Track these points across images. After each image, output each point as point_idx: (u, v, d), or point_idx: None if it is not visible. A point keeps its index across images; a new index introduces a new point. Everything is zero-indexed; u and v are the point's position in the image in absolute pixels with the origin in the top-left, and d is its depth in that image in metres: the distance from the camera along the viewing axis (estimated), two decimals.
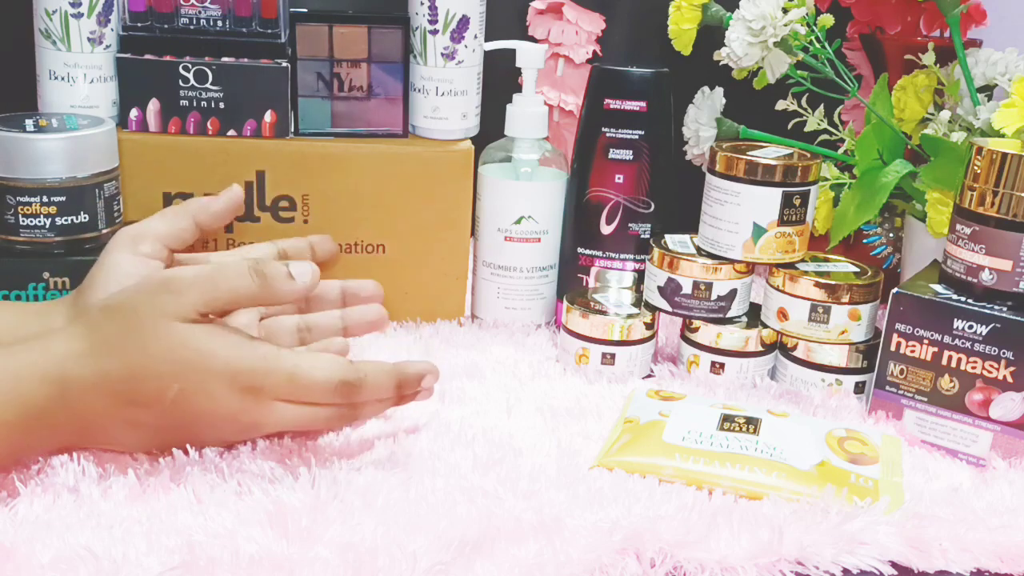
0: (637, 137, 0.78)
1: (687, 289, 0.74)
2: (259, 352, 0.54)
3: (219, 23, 0.75)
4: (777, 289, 0.73)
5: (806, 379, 0.72)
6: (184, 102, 0.74)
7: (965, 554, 0.53)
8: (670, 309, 0.75)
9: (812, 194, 0.73)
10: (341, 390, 0.55)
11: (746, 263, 0.73)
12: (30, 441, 0.53)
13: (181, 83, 0.74)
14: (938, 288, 0.66)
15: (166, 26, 0.74)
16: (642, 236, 0.80)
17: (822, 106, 0.88)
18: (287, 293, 0.56)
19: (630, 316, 0.74)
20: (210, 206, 0.67)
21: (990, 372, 0.63)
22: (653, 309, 0.75)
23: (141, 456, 0.57)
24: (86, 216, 0.67)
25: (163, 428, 0.55)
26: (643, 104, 0.78)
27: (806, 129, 0.88)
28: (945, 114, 0.80)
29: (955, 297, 0.64)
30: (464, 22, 0.78)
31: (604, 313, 0.74)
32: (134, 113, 0.74)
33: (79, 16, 0.72)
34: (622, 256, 0.81)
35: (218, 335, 0.53)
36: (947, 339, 0.64)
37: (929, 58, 0.85)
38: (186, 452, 0.56)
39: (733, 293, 0.74)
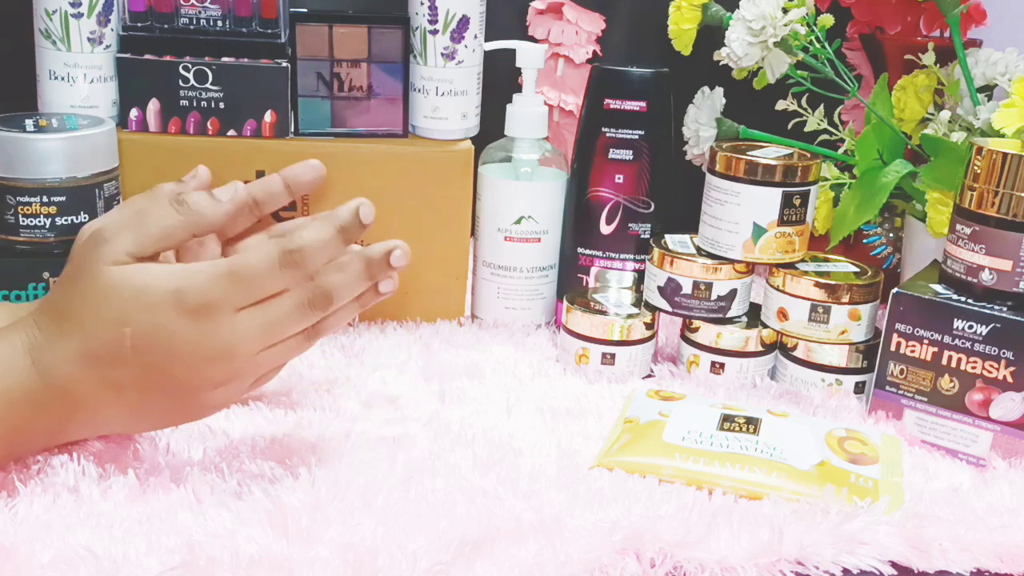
0: (637, 137, 0.78)
1: (687, 289, 0.74)
2: (193, 269, 0.52)
3: (219, 23, 0.75)
4: (777, 289, 0.73)
5: (806, 379, 0.72)
6: (184, 102, 0.74)
7: (965, 554, 0.53)
8: (670, 309, 0.75)
9: (812, 194, 0.73)
10: (284, 261, 0.52)
11: (746, 263, 0.74)
12: (18, 424, 0.52)
13: (181, 83, 0.74)
14: (938, 288, 0.66)
15: (166, 26, 0.74)
16: (642, 236, 0.80)
17: (822, 106, 0.88)
18: (213, 214, 0.54)
19: (630, 316, 0.74)
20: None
21: (990, 372, 0.63)
22: (653, 309, 0.75)
23: (141, 456, 0.57)
24: (86, 216, 0.67)
25: (143, 385, 0.53)
26: (643, 104, 0.78)
27: (806, 129, 0.88)
28: (945, 114, 0.80)
29: (955, 297, 0.64)
30: (464, 22, 0.78)
31: (604, 313, 0.74)
32: (134, 113, 0.74)
33: (79, 16, 0.72)
34: (622, 256, 0.81)
35: (150, 268, 0.52)
36: (947, 339, 0.64)
37: (929, 58, 0.85)
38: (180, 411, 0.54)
39: (733, 293, 0.74)
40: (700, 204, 0.75)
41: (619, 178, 0.79)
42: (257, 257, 0.52)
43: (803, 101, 0.88)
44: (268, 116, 0.75)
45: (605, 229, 0.80)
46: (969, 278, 0.65)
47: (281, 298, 0.53)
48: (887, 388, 0.67)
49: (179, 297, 0.51)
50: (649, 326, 0.74)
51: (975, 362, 0.63)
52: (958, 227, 0.66)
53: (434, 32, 0.77)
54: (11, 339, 0.52)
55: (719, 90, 0.90)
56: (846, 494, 0.56)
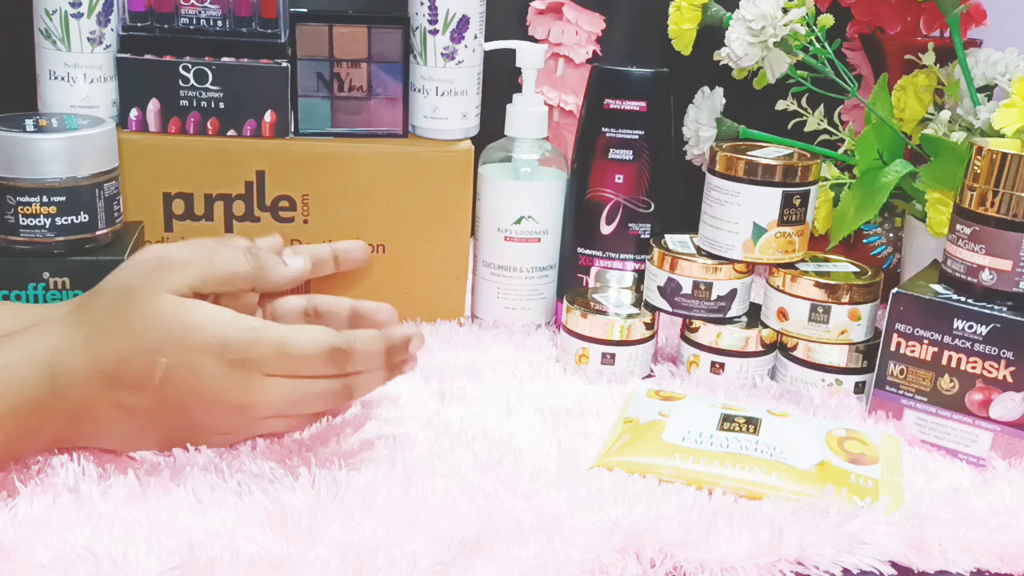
0: (637, 137, 0.78)
1: (687, 289, 0.74)
2: (247, 324, 0.53)
3: (219, 23, 0.75)
4: (777, 289, 0.73)
5: (806, 379, 0.72)
6: (184, 102, 0.74)
7: (965, 554, 0.53)
8: (670, 309, 0.75)
9: (812, 194, 0.73)
10: (332, 357, 0.54)
11: (746, 263, 0.74)
12: (23, 433, 0.52)
13: (181, 83, 0.74)
14: (938, 288, 0.66)
15: (166, 26, 0.74)
16: (642, 236, 0.80)
17: (822, 106, 0.88)
18: (278, 275, 0.56)
19: (630, 316, 0.74)
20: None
21: (990, 372, 0.63)
22: (653, 309, 0.75)
23: (141, 456, 0.57)
24: (86, 216, 0.67)
25: (155, 415, 0.53)
26: (643, 104, 0.78)
27: (806, 129, 0.88)
28: (945, 114, 0.80)
29: (955, 297, 0.64)
30: (464, 22, 0.78)
31: (604, 313, 0.74)
32: (134, 113, 0.74)
33: (79, 16, 0.72)
34: (622, 256, 0.81)
35: (206, 308, 0.53)
36: (947, 339, 0.64)
37: (929, 58, 0.85)
38: (185, 448, 0.56)
39: (733, 293, 0.74)
40: (700, 204, 0.75)
41: (619, 178, 0.79)
42: (311, 341, 0.53)
43: (803, 101, 0.88)
44: (268, 116, 0.75)
45: (605, 229, 0.80)
46: (969, 278, 0.65)
47: (313, 380, 0.55)
48: (887, 388, 0.67)
49: (224, 346, 0.52)
50: (649, 326, 0.74)
51: (975, 362, 0.63)
52: (958, 227, 0.66)
53: (434, 32, 0.77)
54: (31, 348, 0.52)
55: (719, 90, 0.90)
56: (846, 494, 0.56)
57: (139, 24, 0.74)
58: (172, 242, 0.63)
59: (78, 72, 0.73)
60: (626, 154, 0.79)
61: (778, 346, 0.74)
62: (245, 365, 0.52)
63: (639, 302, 0.77)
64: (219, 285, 0.54)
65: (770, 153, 0.73)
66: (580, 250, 0.81)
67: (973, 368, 0.63)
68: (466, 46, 0.78)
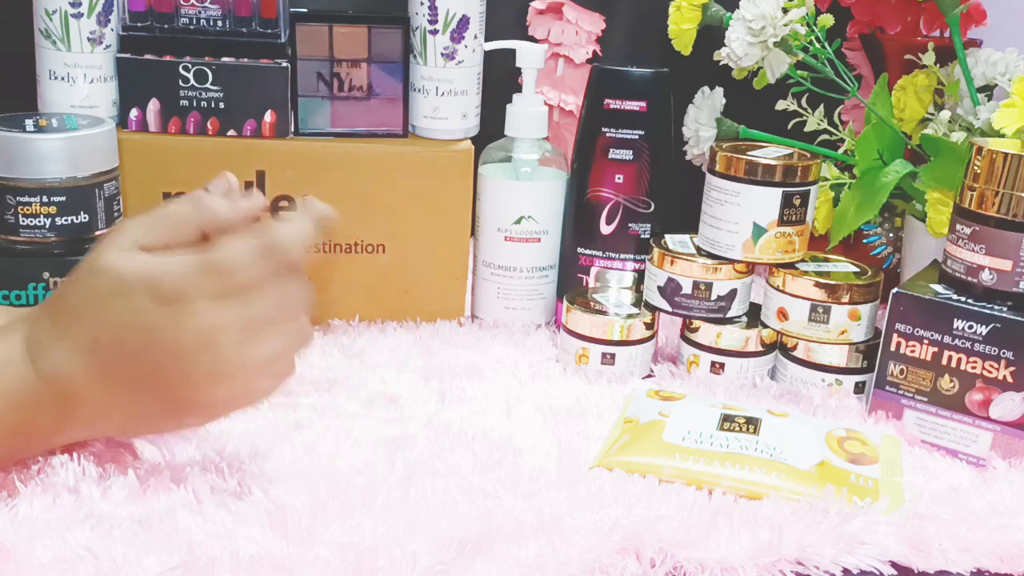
0: (637, 137, 0.78)
1: (687, 289, 0.74)
2: (169, 259, 0.51)
3: (219, 23, 0.75)
4: (777, 289, 0.73)
5: (806, 379, 0.72)
6: (184, 102, 0.74)
7: (965, 554, 0.53)
8: (670, 309, 0.75)
9: (812, 194, 0.73)
10: (265, 255, 0.51)
11: (746, 263, 0.74)
12: (19, 424, 0.51)
13: (181, 83, 0.74)
14: (938, 288, 0.66)
15: (166, 26, 0.74)
16: (642, 236, 0.80)
17: (822, 106, 0.88)
18: (223, 211, 0.54)
19: (630, 316, 0.74)
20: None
21: (990, 372, 0.63)
22: (653, 309, 0.75)
23: (141, 456, 0.57)
24: (86, 216, 0.67)
25: (129, 379, 0.51)
26: (643, 104, 0.78)
27: (806, 129, 0.88)
28: (945, 114, 0.80)
29: (955, 297, 0.64)
30: (464, 22, 0.78)
31: (604, 313, 0.74)
32: (134, 113, 0.74)
33: (79, 16, 0.72)
34: (622, 256, 0.81)
35: (134, 256, 0.51)
36: (947, 339, 0.64)
37: (929, 58, 0.85)
38: (194, 417, 0.53)
39: (733, 293, 0.74)
40: (700, 204, 0.75)
41: (619, 178, 0.79)
42: (238, 251, 0.51)
43: (803, 101, 0.88)
44: (268, 116, 0.75)
45: (605, 229, 0.80)
46: (969, 278, 0.65)
47: (262, 296, 0.52)
48: (887, 388, 0.67)
49: (154, 284, 0.50)
50: (649, 326, 0.74)
51: (975, 362, 0.63)
52: (958, 227, 0.66)
53: (434, 32, 0.77)
54: (10, 338, 0.52)
55: (719, 90, 0.90)
56: (846, 494, 0.56)
57: (139, 24, 0.74)
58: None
59: (78, 72, 0.73)
60: (626, 154, 0.79)
61: (778, 346, 0.74)
62: (181, 298, 0.50)
63: (639, 302, 0.77)
64: (165, 233, 0.52)
65: (770, 153, 0.73)
66: (580, 250, 0.81)
67: (973, 368, 0.63)
68: (466, 46, 0.78)
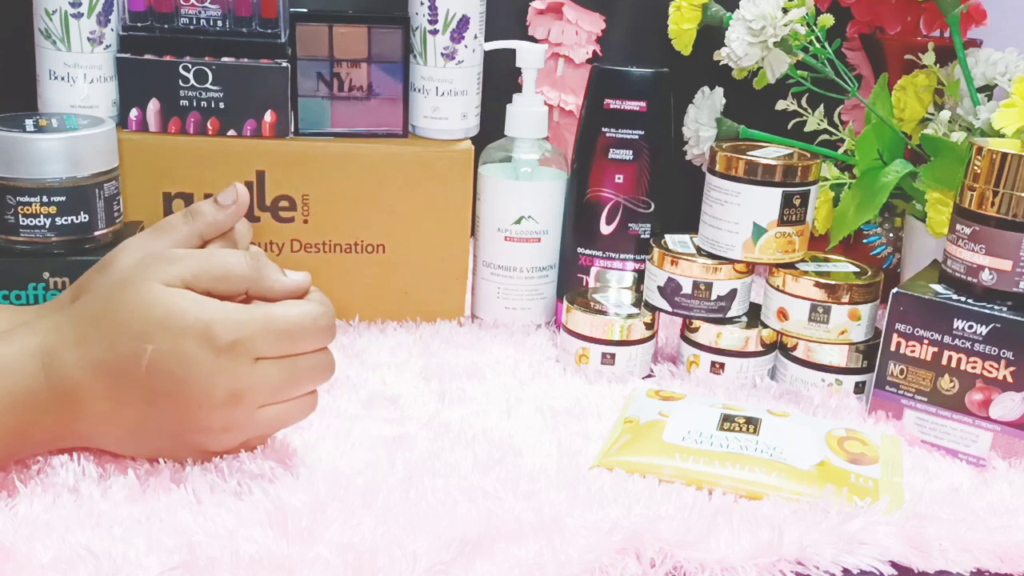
0: (637, 137, 0.78)
1: (687, 289, 0.74)
2: (232, 307, 0.52)
3: (219, 23, 0.75)
4: (777, 289, 0.73)
5: (806, 379, 0.72)
6: (184, 102, 0.74)
7: (965, 554, 0.53)
8: (670, 309, 0.75)
9: (812, 194, 0.73)
10: (321, 330, 0.53)
11: (746, 263, 0.73)
12: (18, 427, 0.52)
13: (181, 83, 0.74)
14: (938, 288, 0.66)
15: (166, 26, 0.74)
16: (642, 236, 0.80)
17: (822, 106, 0.88)
18: (275, 283, 0.55)
19: (630, 316, 0.74)
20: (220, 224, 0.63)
21: (990, 372, 0.63)
22: (653, 309, 0.75)
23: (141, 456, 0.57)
24: (86, 216, 0.67)
25: (147, 411, 0.52)
26: (643, 104, 0.78)
27: (806, 129, 0.88)
28: (945, 114, 0.80)
29: (955, 297, 0.64)
30: (464, 22, 0.78)
31: (604, 313, 0.74)
32: (134, 113, 0.74)
33: (79, 16, 0.72)
34: (622, 256, 0.81)
35: (193, 295, 0.52)
36: (947, 339, 0.64)
37: (929, 58, 0.85)
38: (183, 462, 0.55)
39: (733, 293, 0.74)
40: (700, 204, 0.75)
41: (619, 178, 0.79)
42: (297, 312, 0.53)
43: (803, 101, 0.88)
44: (268, 116, 0.75)
45: (605, 229, 0.80)
46: (969, 278, 0.65)
47: (301, 357, 0.54)
48: (887, 388, 0.67)
49: (210, 329, 0.51)
50: (649, 326, 0.74)
51: (975, 362, 0.63)
52: (958, 227, 0.66)
53: (434, 32, 0.77)
54: (25, 342, 0.52)
55: (719, 90, 0.90)
56: (846, 494, 0.56)
57: (139, 24, 0.74)
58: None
59: (78, 72, 0.73)
60: (626, 154, 0.79)
61: (778, 346, 0.74)
62: (233, 349, 0.51)
63: (639, 302, 0.77)
64: (213, 281, 0.53)
65: (770, 153, 0.73)
66: (580, 250, 0.81)
67: (973, 368, 0.63)
68: (466, 46, 0.78)
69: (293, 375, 0.54)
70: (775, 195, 0.71)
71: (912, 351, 0.65)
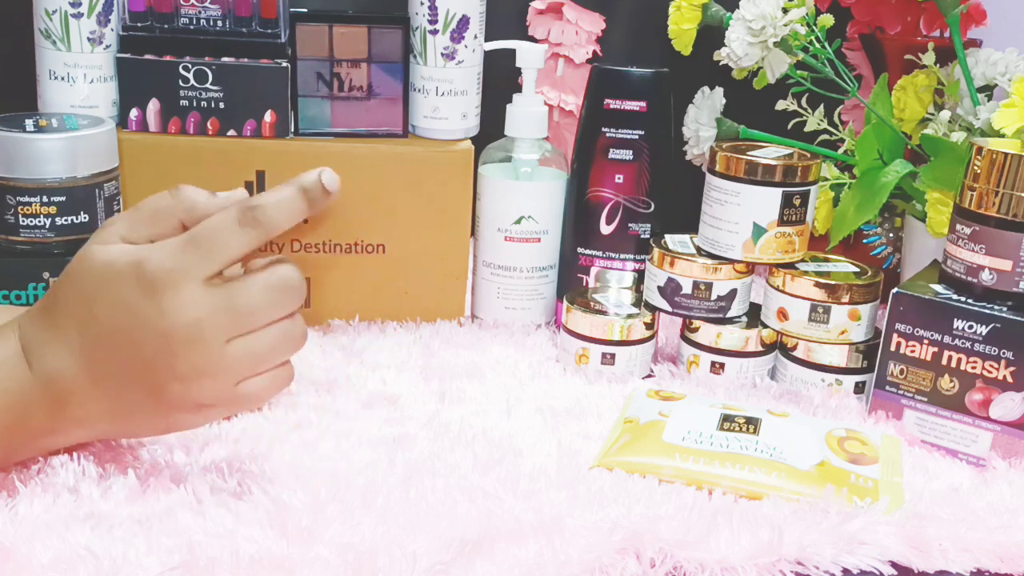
0: (637, 137, 0.78)
1: (687, 289, 0.74)
2: (156, 244, 0.50)
3: (219, 23, 0.75)
4: (777, 289, 0.73)
5: (806, 379, 0.72)
6: (184, 102, 0.74)
7: (965, 554, 0.53)
8: (670, 309, 0.75)
9: (812, 194, 0.73)
10: (244, 219, 0.50)
11: (746, 263, 0.73)
12: (11, 423, 0.51)
13: (181, 83, 0.74)
14: (938, 288, 0.66)
15: (166, 26, 0.74)
16: (642, 236, 0.80)
17: (822, 106, 0.88)
18: (204, 203, 0.52)
19: (630, 316, 0.74)
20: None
21: (990, 372, 0.63)
22: (653, 309, 0.75)
23: (141, 456, 0.57)
24: (86, 216, 0.67)
25: (117, 373, 0.51)
26: (643, 104, 0.78)
27: (806, 129, 0.88)
28: (945, 114, 0.80)
29: (955, 297, 0.64)
30: (464, 22, 0.78)
31: (604, 313, 0.74)
32: (134, 113, 0.74)
33: (79, 16, 0.72)
34: (622, 256, 0.81)
35: (124, 245, 0.51)
36: (947, 339, 0.64)
37: (929, 58, 0.85)
38: (179, 410, 0.51)
39: (733, 293, 0.74)
40: (700, 204, 0.75)
41: (619, 178, 0.79)
42: (217, 219, 0.50)
43: (803, 101, 0.88)
44: (268, 116, 0.75)
45: (605, 229, 0.80)
46: (969, 278, 0.65)
47: (250, 278, 0.50)
48: (887, 388, 0.67)
49: (139, 268, 0.49)
50: (649, 326, 0.74)
51: (975, 362, 0.63)
52: (958, 227, 0.66)
53: (434, 32, 0.77)
54: (7, 337, 0.52)
55: (719, 90, 0.90)
56: (846, 494, 0.56)
57: (139, 24, 0.74)
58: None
59: (78, 72, 0.73)
60: (626, 154, 0.79)
61: (778, 346, 0.74)
62: (167, 282, 0.49)
63: (639, 302, 0.77)
64: (146, 225, 0.52)
65: (770, 153, 0.73)
66: (580, 250, 0.81)
67: (973, 368, 0.63)
68: (466, 46, 0.78)
69: (239, 298, 0.50)
70: (775, 195, 0.71)
71: (912, 351, 0.65)
